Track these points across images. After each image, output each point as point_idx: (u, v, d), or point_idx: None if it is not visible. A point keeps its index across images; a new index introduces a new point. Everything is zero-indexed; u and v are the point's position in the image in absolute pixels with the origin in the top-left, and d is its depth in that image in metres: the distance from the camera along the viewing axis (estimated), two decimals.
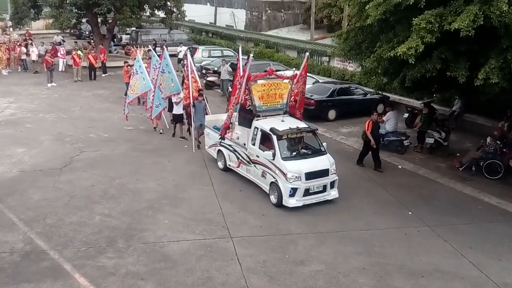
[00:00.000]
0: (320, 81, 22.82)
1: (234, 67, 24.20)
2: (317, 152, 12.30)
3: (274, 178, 11.81)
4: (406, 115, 19.28)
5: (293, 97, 13.59)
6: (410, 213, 11.93)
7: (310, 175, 11.61)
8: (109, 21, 30.34)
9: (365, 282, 9.02)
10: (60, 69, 27.30)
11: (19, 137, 16.43)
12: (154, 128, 17.61)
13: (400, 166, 15.22)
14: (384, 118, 16.89)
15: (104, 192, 12.34)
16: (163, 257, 9.55)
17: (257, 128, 12.50)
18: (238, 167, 13.29)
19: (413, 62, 11.34)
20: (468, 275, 9.40)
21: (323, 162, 11.99)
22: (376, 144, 14.61)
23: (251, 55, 14.71)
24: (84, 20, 31.73)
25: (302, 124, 12.66)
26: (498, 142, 14.82)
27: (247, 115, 13.12)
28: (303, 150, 12.33)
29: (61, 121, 18.48)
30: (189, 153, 15.47)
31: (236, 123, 13.71)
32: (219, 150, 14.01)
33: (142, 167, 14.13)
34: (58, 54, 27.45)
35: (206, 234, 10.48)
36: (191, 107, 15.62)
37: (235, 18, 42.77)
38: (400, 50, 11.14)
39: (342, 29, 26.87)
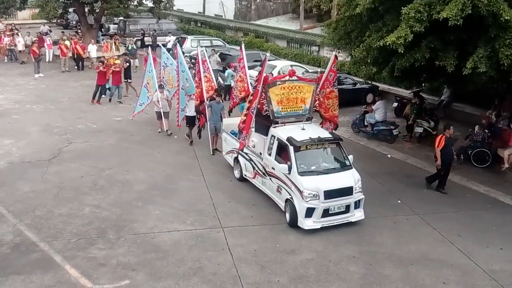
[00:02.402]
0: (310, 71, 22.80)
1: (223, 57, 24.15)
2: (340, 166, 10.85)
3: (290, 194, 10.49)
4: (395, 104, 19.39)
5: (317, 101, 12.11)
6: (399, 201, 12.03)
7: (330, 194, 10.18)
8: (96, 10, 29.97)
9: (355, 270, 9.10)
10: (47, 60, 26.98)
11: (7, 128, 16.25)
12: (166, 131, 16.15)
13: (389, 155, 15.31)
14: (374, 107, 16.99)
15: (94, 183, 12.27)
16: (154, 247, 9.54)
17: (274, 137, 11.23)
18: (253, 178, 12.05)
19: (402, 52, 11.36)
20: (457, 262, 9.53)
21: (346, 178, 10.49)
22: (447, 166, 12.52)
23: (268, 54, 13.55)
24: (71, 9, 31.33)
25: (324, 134, 11.21)
26: (486, 131, 14.96)
27: (264, 121, 11.72)
28: (324, 164, 10.83)
29: (49, 112, 18.30)
30: (179, 144, 15.40)
31: (252, 129, 12.23)
32: (236, 158, 12.81)
33: (131, 158, 14.06)
34: (45, 44, 27.09)
35: (197, 225, 10.49)
36: (207, 108, 14.43)
37: (224, 7, 42.53)
38: (389, 40, 11.16)
39: (331, 18, 26.82)
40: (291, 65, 22.89)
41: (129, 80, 20.60)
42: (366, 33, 13.17)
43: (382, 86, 21.16)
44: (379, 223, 10.89)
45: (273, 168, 11.11)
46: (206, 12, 44.52)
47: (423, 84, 18.64)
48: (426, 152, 15.69)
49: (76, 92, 21.43)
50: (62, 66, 25.42)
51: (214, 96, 14.55)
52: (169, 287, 8.38)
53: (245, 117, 11.74)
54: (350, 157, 10.97)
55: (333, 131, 12.22)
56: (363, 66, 15.85)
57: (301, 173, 10.34)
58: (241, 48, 15.05)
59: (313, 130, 11.30)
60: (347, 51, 16.01)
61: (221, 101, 14.58)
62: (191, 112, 15.17)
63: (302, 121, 11.62)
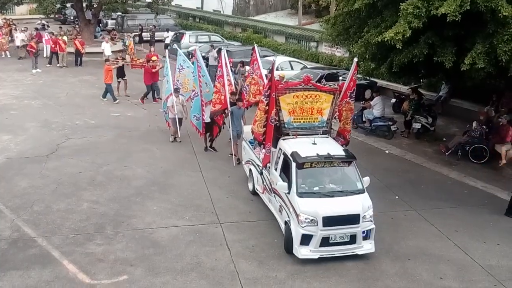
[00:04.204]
0: (308, 66, 22.82)
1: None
2: (350, 189, 9.50)
3: (288, 217, 9.38)
4: (393, 100, 19.43)
5: (336, 113, 11.02)
6: (397, 197, 12.05)
7: (331, 221, 8.90)
8: (94, 5, 29.91)
9: (353, 265, 9.12)
10: (45, 55, 26.89)
11: (4, 124, 16.22)
12: (174, 138, 15.23)
13: (387, 151, 15.33)
14: (372, 103, 17.01)
15: (92, 179, 12.27)
16: (152, 243, 9.56)
17: (281, 150, 10.19)
18: (262, 193, 11.11)
19: (400, 47, 11.34)
20: (454, 257, 9.56)
21: (353, 204, 9.17)
22: None
23: (275, 57, 12.34)
24: (68, 5, 31.25)
25: (337, 150, 9.93)
26: (484, 127, 14.99)
27: (274, 132, 10.62)
28: (331, 185, 9.58)
29: (46, 108, 18.28)
30: (178, 140, 15.36)
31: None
32: (250, 170, 11.85)
33: (129, 154, 14.05)
34: (43, 39, 27.01)
35: (195, 220, 10.50)
36: (229, 114, 13.43)
37: (222, 3, 42.42)
38: (388, 35, 11.14)
39: (330, 14, 26.80)
40: (290, 61, 22.97)
41: (124, 78, 20.14)
42: (364, 28, 13.16)
43: (380, 82, 21.16)
44: (376, 219, 10.79)
45: (276, 185, 10.11)
46: (204, 8, 44.44)
47: (421, 80, 18.65)
48: (424, 148, 15.73)
49: (73, 88, 21.41)
50: (60, 62, 25.35)
51: (234, 101, 13.59)
52: (167, 283, 8.39)
53: (265, 128, 10.65)
54: (366, 179, 9.66)
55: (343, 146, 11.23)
56: (362, 62, 15.79)
57: (300, 194, 9.20)
58: (254, 49, 13.86)
59: (325, 145, 10.06)
60: (346, 47, 16.00)
61: (242, 106, 13.65)
62: (208, 118, 14.13)
63: (318, 134, 10.50)
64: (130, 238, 9.71)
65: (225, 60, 13.73)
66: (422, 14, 10.96)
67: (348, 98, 10.99)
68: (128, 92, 20.28)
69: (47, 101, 19.13)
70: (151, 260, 9.00)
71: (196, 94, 14.15)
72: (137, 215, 10.59)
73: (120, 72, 19.99)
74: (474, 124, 15.26)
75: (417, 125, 16.45)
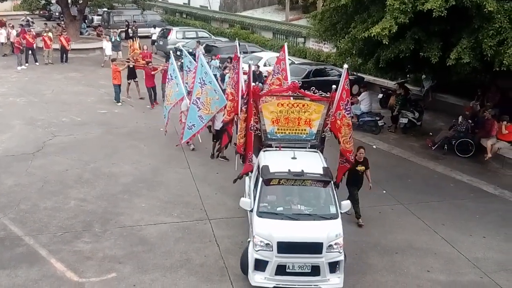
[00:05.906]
0: (296, 62, 22.83)
1: (208, 48, 24.05)
2: (320, 213, 8.31)
3: (250, 237, 8.54)
4: (380, 95, 19.54)
5: (328, 126, 9.66)
6: (384, 191, 12.13)
7: (287, 247, 7.81)
8: (80, 1, 29.60)
9: None
10: (30, 52, 26.51)
11: None
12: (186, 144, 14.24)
13: (374, 146, 15.42)
14: (359, 98, 17.09)
15: (79, 176, 12.18)
16: (141, 240, 9.53)
17: (258, 162, 9.32)
18: None
19: (387, 43, 11.44)
20: (441, 251, 9.67)
21: (316, 231, 7.96)
22: None
23: (251, 63, 11.14)
24: (53, 1, 30.90)
25: (315, 168, 8.68)
26: (470, 121, 15.15)
27: (256, 143, 9.82)
28: (299, 207, 8.44)
29: (32, 105, 18.07)
30: (166, 137, 15.27)
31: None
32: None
33: (117, 151, 13.96)
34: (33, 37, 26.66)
35: (184, 217, 10.48)
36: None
37: None
38: (374, 31, 11.22)
39: (317, 9, 26.85)
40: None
41: (135, 79, 19.26)
42: (351, 24, 13.22)
43: (367, 77, 21.29)
44: (364, 213, 10.95)
45: None
46: (191, 3, 44.22)
47: (407, 75, 18.78)
48: (410, 142, 15.86)
49: (59, 85, 21.18)
50: (45, 58, 25.06)
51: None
52: (156, 280, 8.38)
53: (245, 138, 9.98)
54: (345, 203, 8.55)
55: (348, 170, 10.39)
56: (349, 58, 15.90)
57: (260, 214, 8.20)
58: (283, 48, 13.03)
59: (305, 161, 8.93)
60: (333, 43, 16.07)
61: None
62: (219, 125, 13.31)
63: (305, 147, 9.51)
64: (118, 235, 9.66)
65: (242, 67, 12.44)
66: (408, 10, 11.05)
67: (343, 111, 9.72)
68: (141, 93, 19.24)
69: (33, 99, 18.91)
70: (139, 257, 8.97)
71: (195, 102, 13.30)
72: (125, 213, 10.54)
73: (131, 73, 19.19)
74: (460, 118, 15.42)
75: (404, 120, 16.58)
